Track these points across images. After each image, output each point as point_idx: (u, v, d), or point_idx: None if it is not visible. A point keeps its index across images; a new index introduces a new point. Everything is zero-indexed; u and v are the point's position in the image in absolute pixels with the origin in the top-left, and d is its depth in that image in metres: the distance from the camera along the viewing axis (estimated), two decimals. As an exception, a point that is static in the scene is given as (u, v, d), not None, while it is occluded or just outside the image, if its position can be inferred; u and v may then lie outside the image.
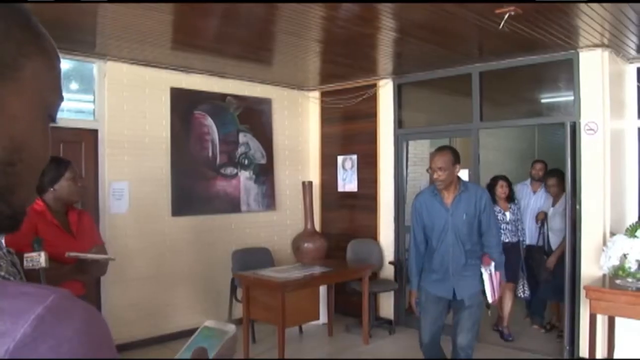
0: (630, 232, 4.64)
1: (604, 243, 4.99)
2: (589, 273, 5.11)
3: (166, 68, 5.97)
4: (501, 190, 6.15)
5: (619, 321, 5.06)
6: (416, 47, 5.31)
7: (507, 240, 5.88)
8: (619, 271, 4.70)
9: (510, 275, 5.43)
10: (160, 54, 5.50)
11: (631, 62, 5.68)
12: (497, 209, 5.98)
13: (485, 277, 4.00)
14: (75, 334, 0.52)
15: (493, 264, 4.02)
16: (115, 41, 5.01)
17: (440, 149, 4.07)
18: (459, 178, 4.07)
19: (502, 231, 5.90)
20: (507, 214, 6.13)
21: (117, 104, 5.64)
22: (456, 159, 3.96)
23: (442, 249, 4.02)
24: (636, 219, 5.52)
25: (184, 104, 6.14)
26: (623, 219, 5.50)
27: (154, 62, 5.79)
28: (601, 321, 4.92)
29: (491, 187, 6.14)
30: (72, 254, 2.57)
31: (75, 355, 0.51)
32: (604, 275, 4.93)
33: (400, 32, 4.85)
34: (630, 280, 4.61)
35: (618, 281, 4.67)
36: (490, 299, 4.07)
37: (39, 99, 0.64)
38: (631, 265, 4.62)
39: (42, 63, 0.63)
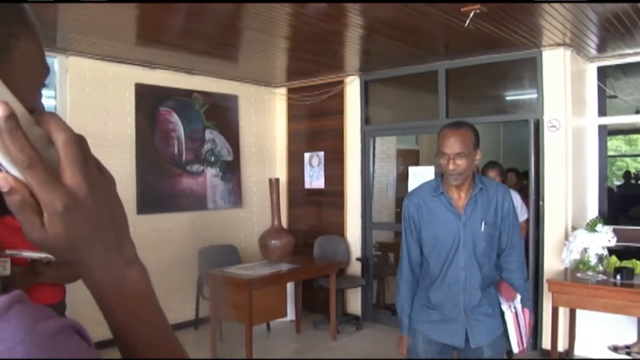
0: (591, 226, 4.75)
1: (566, 238, 5.09)
2: (551, 267, 5.21)
3: (131, 64, 5.87)
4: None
5: (579, 313, 5.18)
6: (383, 44, 5.33)
7: None
8: (580, 265, 4.81)
9: None
10: (124, 49, 5.41)
11: (592, 61, 5.81)
12: None
13: (509, 317, 2.81)
14: (27, 336, 0.50)
15: (518, 297, 2.84)
16: (77, 35, 4.90)
17: (457, 125, 2.71)
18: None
19: None
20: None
21: (80, 100, 5.53)
22: (478, 141, 2.71)
23: (451, 276, 2.73)
24: (596, 214, 5.66)
25: (149, 101, 6.06)
26: (584, 214, 5.63)
27: (117, 57, 5.69)
28: (563, 313, 5.02)
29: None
30: (8, 251, 2.49)
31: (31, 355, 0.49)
32: (566, 269, 5.04)
33: (367, 29, 4.87)
34: (590, 273, 4.72)
35: (579, 274, 4.77)
36: (516, 349, 2.85)
37: (30, 77, 0.63)
38: (591, 258, 4.74)
39: (30, 41, 0.62)
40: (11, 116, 0.52)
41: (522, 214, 5.22)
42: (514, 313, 2.81)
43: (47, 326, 0.52)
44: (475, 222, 2.71)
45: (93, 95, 5.62)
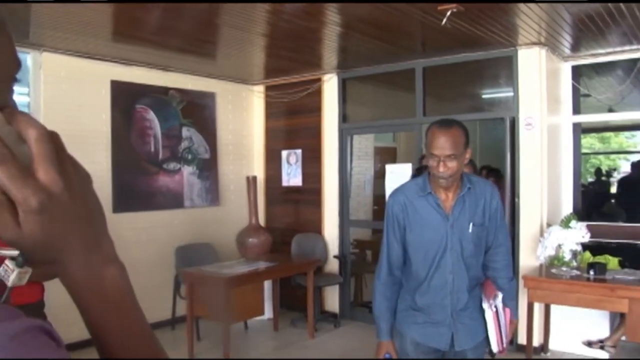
0: (565, 223, 4.82)
1: (541, 234, 5.16)
2: (527, 263, 5.27)
3: (106, 60, 5.80)
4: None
5: (554, 308, 5.25)
6: (360, 42, 5.34)
7: None
8: (555, 261, 4.89)
9: None
10: (99, 46, 5.35)
11: (566, 60, 5.89)
12: None
13: (489, 316, 2.70)
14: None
15: (500, 296, 2.77)
16: (50, 31, 4.83)
17: (446, 124, 2.55)
18: None
19: None
20: None
21: (54, 97, 5.44)
22: (468, 140, 2.58)
23: (438, 279, 2.62)
24: (571, 210, 5.74)
25: (125, 98, 6.00)
26: (559, 210, 5.70)
27: (93, 54, 5.62)
28: (538, 309, 5.09)
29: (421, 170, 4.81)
30: None
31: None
32: (541, 265, 5.11)
33: (345, 27, 4.87)
34: (564, 269, 4.80)
35: (554, 270, 4.85)
36: (495, 348, 2.75)
37: (3, 74, 0.61)
38: (566, 254, 4.82)
39: (1, 38, 0.61)
40: None
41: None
42: (494, 312, 2.70)
43: (13, 327, 0.51)
44: (463, 223, 2.59)
45: (68, 92, 5.55)
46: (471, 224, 2.59)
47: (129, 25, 4.77)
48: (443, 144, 2.46)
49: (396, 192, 2.75)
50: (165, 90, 6.37)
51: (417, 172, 4.93)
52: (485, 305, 2.70)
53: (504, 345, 2.76)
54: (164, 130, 6.35)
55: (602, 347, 5.07)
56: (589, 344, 5.15)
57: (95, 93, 5.77)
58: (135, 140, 6.07)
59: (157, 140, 6.28)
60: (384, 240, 2.74)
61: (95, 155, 5.69)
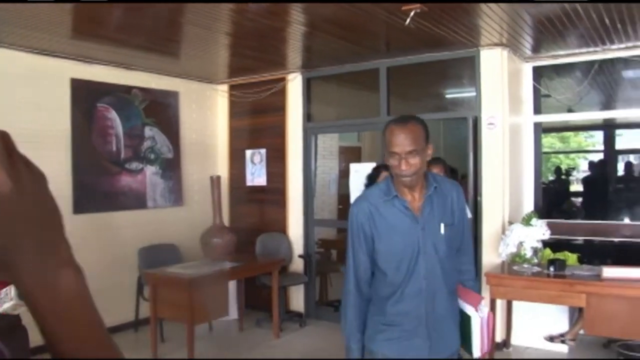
0: (526, 221, 4.91)
1: (503, 232, 5.24)
2: (489, 260, 5.35)
3: (66, 58, 5.68)
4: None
5: (515, 304, 5.35)
6: (325, 41, 5.35)
7: None
8: (516, 258, 4.97)
9: None
10: (59, 43, 5.23)
11: (527, 61, 6.01)
12: None
13: (476, 322, 2.53)
14: None
15: (484, 300, 2.64)
16: (6, 27, 4.69)
17: (403, 120, 2.41)
18: None
19: None
20: None
21: (10, 95, 5.29)
22: (428, 135, 2.44)
23: (411, 286, 2.42)
24: (532, 208, 5.86)
25: (86, 96, 5.88)
26: (520, 208, 5.81)
27: (52, 51, 5.49)
28: (500, 305, 5.17)
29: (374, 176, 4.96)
30: None
31: None
32: (503, 262, 5.19)
33: (309, 27, 4.87)
34: (526, 266, 4.88)
35: (515, 267, 4.93)
36: (476, 353, 2.58)
37: None
38: (527, 251, 4.90)
39: None
40: None
41: (467, 213, 5.22)
42: (481, 318, 2.52)
43: None
44: (434, 224, 2.42)
45: (25, 90, 5.40)
46: (442, 225, 2.43)
47: (89, 22, 4.67)
48: (402, 140, 2.32)
49: (359, 199, 2.58)
50: (127, 88, 6.28)
51: (370, 179, 4.92)
52: (470, 312, 2.53)
53: (487, 348, 2.59)
54: (126, 129, 6.25)
55: (562, 341, 5.18)
56: (551, 338, 5.26)
57: (55, 91, 5.65)
58: (96, 139, 5.97)
59: (119, 140, 6.18)
60: (350, 254, 2.53)
61: (54, 155, 5.57)
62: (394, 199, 2.43)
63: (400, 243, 2.42)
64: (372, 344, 2.51)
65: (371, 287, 2.54)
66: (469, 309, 2.55)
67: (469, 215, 5.19)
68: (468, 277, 2.68)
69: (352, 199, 4.15)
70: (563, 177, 8.42)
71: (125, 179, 6.22)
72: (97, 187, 5.95)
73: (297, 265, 6.81)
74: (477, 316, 2.52)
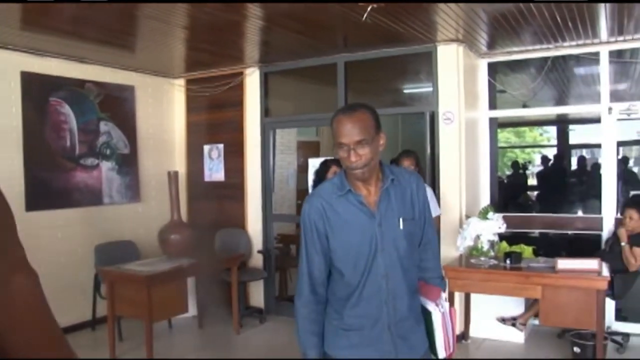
0: (483, 214, 5.00)
1: (460, 225, 5.33)
2: (447, 254, 5.43)
3: (15, 50, 5.49)
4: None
5: (473, 297, 5.44)
6: (282, 36, 5.32)
7: None
8: (474, 251, 5.06)
9: None
10: (7, 34, 5.04)
11: (483, 57, 6.10)
12: None
13: (437, 318, 2.38)
14: None
15: (443, 295, 2.50)
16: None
17: (350, 108, 2.26)
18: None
19: None
20: None
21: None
22: (379, 123, 2.26)
23: (369, 287, 2.25)
24: (488, 202, 5.97)
25: (38, 90, 5.71)
26: (477, 202, 5.91)
27: (0, 42, 5.31)
28: (458, 298, 5.26)
29: (322, 172, 4.92)
30: None
31: None
32: (461, 255, 5.28)
33: (266, 21, 4.84)
34: (483, 259, 4.98)
35: (473, 260, 5.02)
36: (442, 354, 2.41)
37: None
38: (484, 245, 5.00)
39: None
40: None
41: (436, 210, 5.09)
42: (442, 314, 2.38)
43: None
44: (392, 220, 2.25)
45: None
46: (401, 220, 2.25)
47: (40, 14, 4.51)
48: (350, 130, 2.16)
49: (311, 196, 2.37)
50: (81, 82, 6.12)
51: (318, 175, 4.87)
52: (431, 308, 2.37)
53: (452, 349, 2.42)
54: (81, 124, 6.11)
55: (513, 325, 5.30)
56: (503, 320, 5.38)
57: (3, 85, 5.47)
58: (49, 134, 5.81)
59: (73, 135, 6.03)
60: (303, 255, 2.33)
61: (4, 151, 5.40)
62: (347, 194, 2.26)
63: (356, 240, 2.24)
64: (332, 351, 2.32)
65: (328, 288, 2.35)
66: (429, 305, 2.39)
67: (438, 212, 5.23)
68: (433, 274, 2.48)
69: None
70: (520, 171, 8.62)
71: (80, 175, 6.08)
72: (51, 184, 5.80)
73: (257, 260, 6.79)
74: (438, 311, 2.37)
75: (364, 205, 2.25)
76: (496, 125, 6.51)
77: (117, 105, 6.53)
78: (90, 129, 6.20)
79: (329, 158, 5.11)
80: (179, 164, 7.31)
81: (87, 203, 6.15)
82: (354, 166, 2.18)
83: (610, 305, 5.39)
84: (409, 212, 2.30)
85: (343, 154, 2.19)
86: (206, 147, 7.17)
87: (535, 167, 8.89)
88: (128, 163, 6.65)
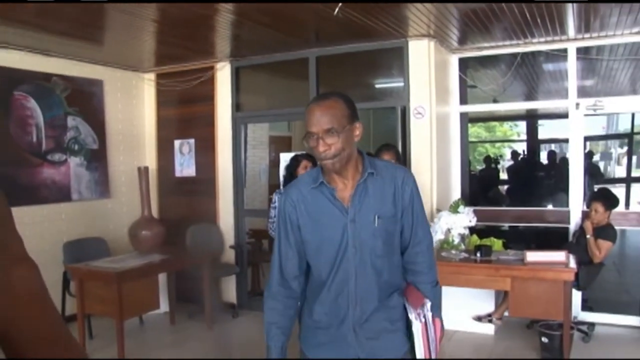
0: (454, 208, 5.05)
1: (432, 219, 5.37)
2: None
3: (-22, 43, 5.38)
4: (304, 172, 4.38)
5: (444, 290, 5.49)
6: (254, 30, 5.29)
7: None
8: (444, 244, 5.11)
9: None
10: (-30, 27, 4.94)
11: (454, 53, 6.16)
12: None
13: (417, 328, 2.17)
14: None
15: (428, 303, 2.23)
16: None
17: (323, 96, 2.19)
18: (360, 152, 2.24)
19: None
20: None
21: None
22: (354, 113, 2.16)
23: (337, 285, 2.17)
24: (459, 196, 6.03)
25: (1, 84, 5.57)
26: (448, 196, 5.97)
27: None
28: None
29: (293, 167, 4.84)
30: None
31: None
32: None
33: (238, 15, 4.80)
34: (454, 252, 5.03)
35: (444, 254, 5.07)
36: None
37: None
38: (455, 238, 5.04)
39: None
40: None
41: None
42: (423, 323, 2.17)
43: None
44: (366, 216, 2.12)
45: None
46: (377, 217, 2.12)
47: (4, 5, 4.41)
48: (319, 118, 2.05)
49: (288, 187, 2.33)
50: (47, 76, 6.00)
51: (288, 170, 4.82)
52: (412, 316, 2.17)
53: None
54: (47, 119, 5.99)
55: (490, 321, 5.40)
56: (479, 318, 5.47)
57: (-32, 79, 5.34)
58: (14, 130, 5.68)
59: (39, 130, 5.91)
60: (275, 247, 2.28)
61: (-31, 146, 5.28)
62: (321, 186, 2.16)
63: (327, 234, 2.15)
64: (304, 348, 2.31)
65: (307, 283, 2.31)
66: (411, 313, 2.19)
67: None
68: (424, 279, 2.26)
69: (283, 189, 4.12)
70: (492, 165, 8.73)
71: (47, 171, 5.97)
72: (17, 180, 5.68)
73: (229, 256, 6.76)
74: (419, 321, 2.16)
75: (337, 199, 2.15)
76: (467, 120, 6.58)
77: (85, 100, 6.42)
78: (58, 124, 6.09)
79: (299, 153, 5.07)
80: (150, 160, 7.23)
81: (55, 199, 6.04)
82: (323, 156, 2.08)
83: (576, 296, 5.51)
84: (388, 210, 2.16)
85: (312, 143, 2.09)
86: (177, 142, 7.10)
87: (506, 161, 9.00)
88: (97, 158, 6.54)
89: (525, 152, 8.92)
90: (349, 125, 2.09)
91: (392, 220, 2.17)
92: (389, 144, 5.06)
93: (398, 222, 2.18)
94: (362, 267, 2.13)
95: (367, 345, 2.16)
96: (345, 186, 2.16)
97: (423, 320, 2.16)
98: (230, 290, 6.78)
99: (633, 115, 7.92)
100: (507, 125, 9.37)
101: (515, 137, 9.32)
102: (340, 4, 4.25)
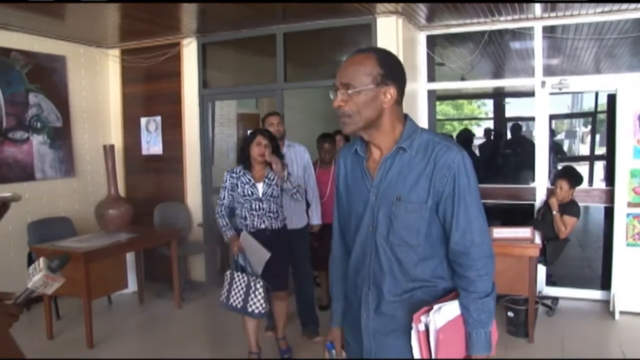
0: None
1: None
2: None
3: None
4: (258, 150, 4.31)
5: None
6: (221, 6, 5.21)
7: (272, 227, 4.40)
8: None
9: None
10: None
11: (422, 30, 6.15)
12: (248, 178, 4.39)
13: (414, 338, 1.77)
14: None
15: (438, 309, 1.77)
16: None
17: (359, 51, 1.86)
18: (406, 117, 1.92)
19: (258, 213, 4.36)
20: (260, 185, 4.39)
21: None
22: (389, 73, 1.80)
23: (355, 261, 1.95)
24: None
25: (-40, 60, 5.41)
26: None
27: None
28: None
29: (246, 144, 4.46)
30: None
31: None
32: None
33: (204, -10, 4.72)
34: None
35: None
36: None
37: None
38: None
39: None
40: None
41: None
42: (422, 332, 1.75)
43: None
44: (387, 195, 1.83)
45: None
46: (397, 198, 1.81)
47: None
48: (342, 70, 1.80)
49: (348, 144, 2.08)
50: (5, 51, 5.81)
51: (241, 146, 4.50)
52: (413, 324, 1.76)
53: None
54: (7, 96, 5.82)
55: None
56: None
57: None
58: (-26, 107, 5.52)
59: None
60: (334, 209, 2.10)
61: None
62: (357, 156, 1.96)
63: (354, 206, 1.95)
64: (346, 319, 2.10)
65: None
66: (414, 322, 1.78)
67: None
68: (472, 288, 1.83)
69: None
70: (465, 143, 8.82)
71: (8, 150, 5.82)
72: (-22, 159, 5.53)
73: (197, 234, 6.72)
74: (415, 329, 1.76)
75: (366, 172, 1.91)
76: (435, 97, 6.61)
77: (47, 76, 6.25)
78: (18, 100, 5.92)
79: (257, 129, 4.65)
80: (115, 137, 7.11)
81: (17, 179, 5.89)
82: (338, 113, 1.84)
83: (541, 271, 5.63)
84: (419, 194, 1.81)
85: (332, 96, 1.86)
86: (143, 120, 6.99)
87: (477, 139, 9.08)
88: (61, 136, 6.40)
89: (491, 131, 9.03)
90: (374, 85, 1.78)
91: (421, 207, 1.81)
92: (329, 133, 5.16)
93: (429, 210, 1.80)
94: (378, 250, 1.86)
95: (375, 339, 1.90)
96: (374, 156, 1.91)
97: (423, 328, 1.75)
98: (199, 268, 6.76)
99: (597, 94, 8.07)
100: (475, 103, 9.45)
101: (482, 116, 9.42)
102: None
